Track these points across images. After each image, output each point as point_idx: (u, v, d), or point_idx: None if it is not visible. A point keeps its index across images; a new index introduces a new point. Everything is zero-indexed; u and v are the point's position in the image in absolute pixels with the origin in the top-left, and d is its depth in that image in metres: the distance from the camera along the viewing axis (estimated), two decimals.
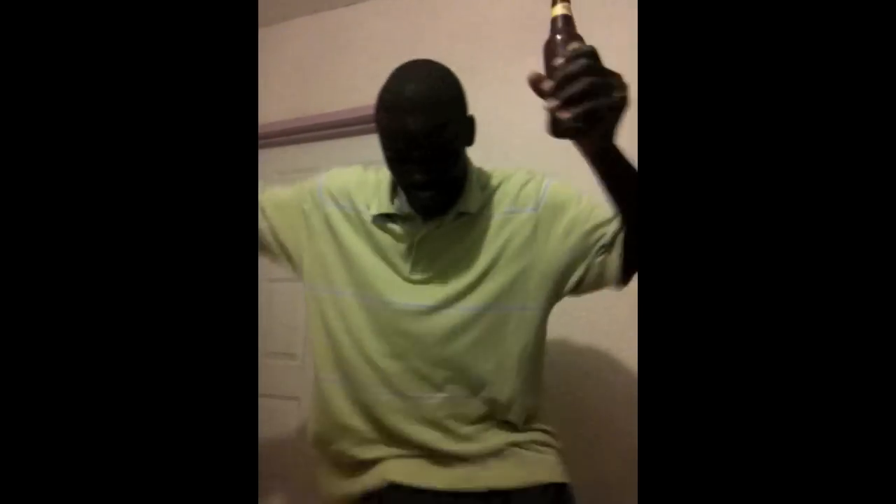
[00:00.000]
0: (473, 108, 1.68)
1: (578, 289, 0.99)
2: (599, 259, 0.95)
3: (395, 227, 1.00)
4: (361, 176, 1.08)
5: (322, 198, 1.07)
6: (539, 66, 1.66)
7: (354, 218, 1.03)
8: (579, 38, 0.70)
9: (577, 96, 0.65)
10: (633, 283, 1.13)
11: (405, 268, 0.99)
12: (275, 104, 2.03)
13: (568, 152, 1.52)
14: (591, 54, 0.68)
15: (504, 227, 0.98)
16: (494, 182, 1.03)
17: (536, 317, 0.99)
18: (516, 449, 0.97)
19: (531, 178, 1.03)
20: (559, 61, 0.67)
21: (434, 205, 0.95)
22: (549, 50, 0.71)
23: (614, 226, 0.93)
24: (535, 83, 0.70)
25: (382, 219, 1.01)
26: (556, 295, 1.00)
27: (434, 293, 0.97)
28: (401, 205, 1.00)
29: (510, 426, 0.98)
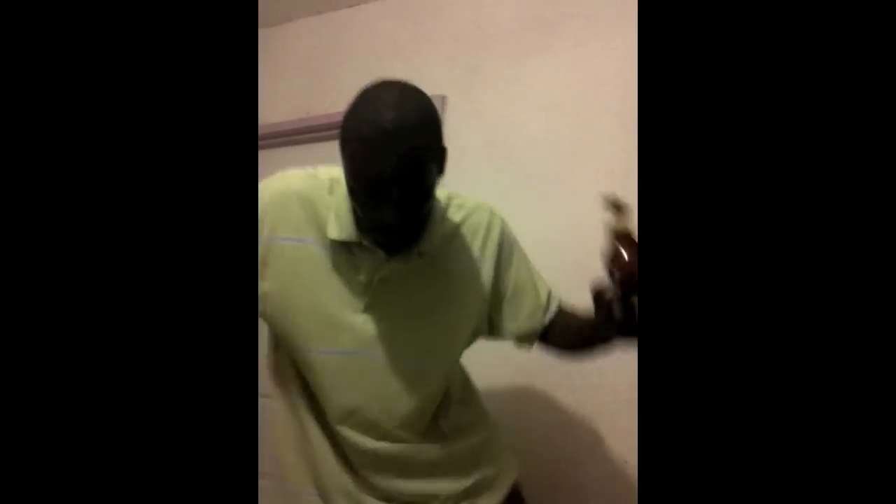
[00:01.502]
0: (478, 109, 1.68)
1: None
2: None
3: (352, 258, 0.91)
4: (310, 190, 0.95)
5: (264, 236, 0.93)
6: (542, 69, 1.64)
7: (300, 247, 0.92)
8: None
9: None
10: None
11: (358, 305, 0.92)
12: (279, 104, 2.03)
13: (570, 154, 1.53)
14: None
15: (471, 276, 0.96)
16: (455, 217, 0.97)
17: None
18: None
19: (492, 218, 1.00)
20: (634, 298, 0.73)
21: (401, 246, 0.88)
22: (624, 270, 0.75)
23: (547, 316, 1.02)
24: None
25: (340, 246, 0.91)
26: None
27: (390, 339, 0.93)
28: (360, 234, 0.89)
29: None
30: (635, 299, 0.72)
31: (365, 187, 0.79)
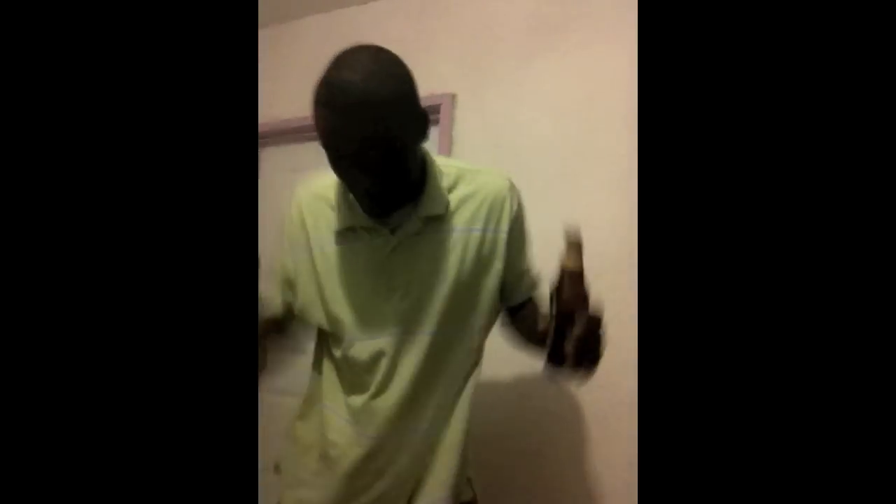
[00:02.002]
0: (484, 109, 1.67)
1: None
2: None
3: (362, 243, 0.93)
4: (313, 194, 1.00)
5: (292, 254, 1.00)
6: (548, 70, 1.63)
7: (317, 249, 0.96)
8: (586, 295, 0.78)
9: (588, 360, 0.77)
10: (634, 293, 1.16)
11: (380, 287, 0.93)
12: (288, 101, 2.04)
13: (576, 155, 1.53)
14: (600, 322, 0.75)
15: (481, 245, 0.95)
16: (462, 185, 0.96)
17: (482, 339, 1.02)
18: None
19: (503, 188, 0.97)
20: (577, 330, 0.75)
21: (384, 207, 0.89)
22: (563, 304, 0.78)
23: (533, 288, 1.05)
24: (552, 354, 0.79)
25: (345, 235, 0.93)
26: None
27: (411, 313, 0.93)
28: (360, 214, 0.91)
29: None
30: (576, 335, 0.75)
31: (334, 151, 0.81)
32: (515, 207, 0.98)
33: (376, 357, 0.94)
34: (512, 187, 0.98)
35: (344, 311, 0.94)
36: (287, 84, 2.06)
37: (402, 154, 0.81)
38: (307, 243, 0.98)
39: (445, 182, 0.94)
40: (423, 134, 0.87)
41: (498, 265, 0.96)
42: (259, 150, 2.21)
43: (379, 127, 0.76)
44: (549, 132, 1.58)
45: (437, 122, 1.70)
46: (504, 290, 1.01)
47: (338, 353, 0.97)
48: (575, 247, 0.79)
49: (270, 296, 1.02)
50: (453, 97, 1.69)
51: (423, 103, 0.86)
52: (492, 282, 0.97)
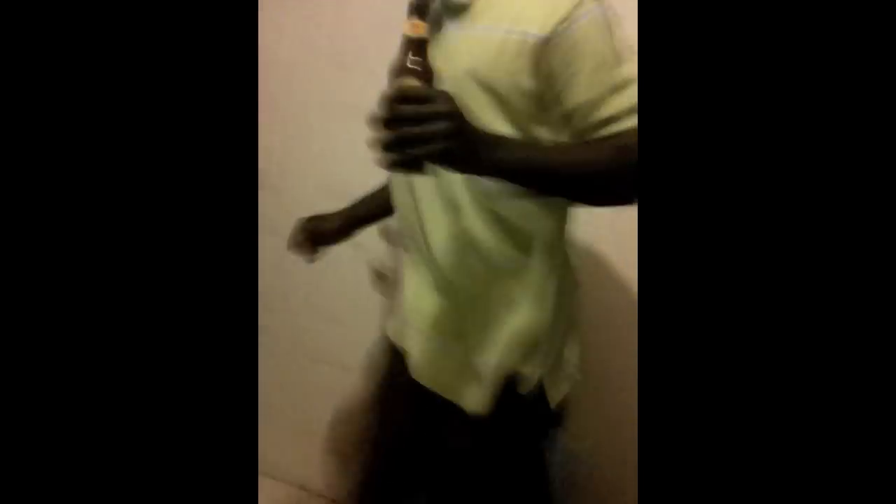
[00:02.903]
0: None
1: None
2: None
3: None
4: None
5: None
6: None
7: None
8: (422, 69, 0.68)
9: (399, 140, 0.64)
10: (632, 258, 0.97)
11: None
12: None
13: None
14: (417, 98, 0.64)
15: (501, 50, 0.74)
16: None
17: None
18: None
19: None
20: (387, 101, 0.66)
21: None
22: (392, 73, 0.70)
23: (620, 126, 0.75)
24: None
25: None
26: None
27: None
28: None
29: None
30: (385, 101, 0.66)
31: None
32: (568, 6, 0.73)
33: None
34: None
35: None
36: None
37: None
38: None
39: None
40: None
41: (525, 81, 0.75)
42: None
43: None
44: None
45: None
46: (567, 124, 0.78)
47: None
48: (416, 13, 0.69)
49: None
50: None
51: None
52: (514, 105, 0.77)
